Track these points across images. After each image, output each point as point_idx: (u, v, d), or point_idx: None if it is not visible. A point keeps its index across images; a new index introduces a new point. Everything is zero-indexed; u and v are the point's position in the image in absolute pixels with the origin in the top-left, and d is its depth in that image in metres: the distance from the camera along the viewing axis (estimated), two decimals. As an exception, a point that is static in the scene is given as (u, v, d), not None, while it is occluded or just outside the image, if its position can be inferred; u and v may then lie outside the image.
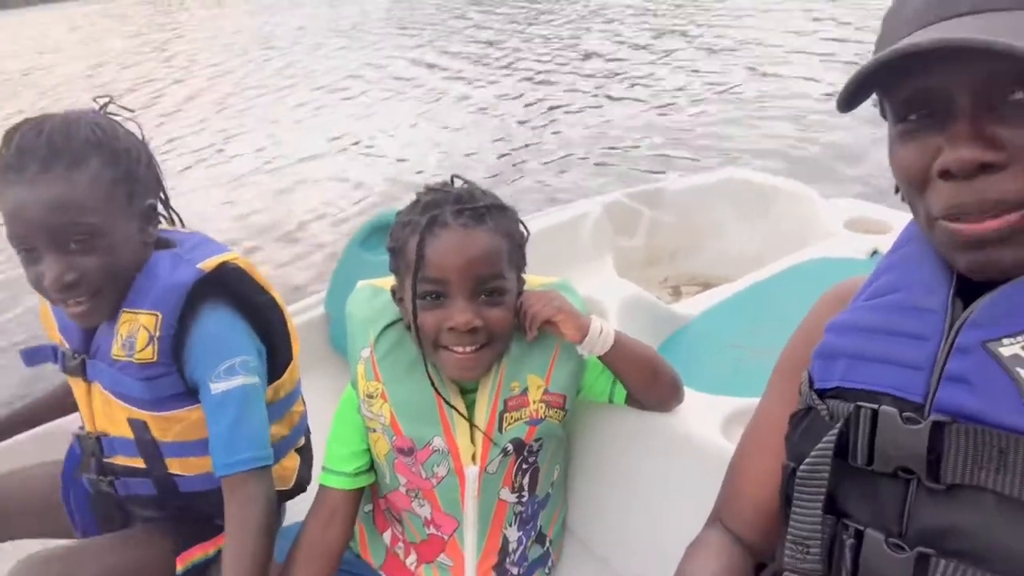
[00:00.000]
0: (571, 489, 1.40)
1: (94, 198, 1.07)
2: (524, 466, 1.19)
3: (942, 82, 0.62)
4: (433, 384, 1.12)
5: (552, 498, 1.28)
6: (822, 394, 0.75)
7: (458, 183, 1.15)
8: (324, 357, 1.87)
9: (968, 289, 0.67)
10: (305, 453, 1.38)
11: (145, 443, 1.18)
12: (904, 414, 0.66)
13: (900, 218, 2.11)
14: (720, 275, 2.42)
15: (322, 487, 1.20)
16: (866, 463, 0.68)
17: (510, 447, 1.15)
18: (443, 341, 1.08)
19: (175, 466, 1.21)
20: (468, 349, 1.08)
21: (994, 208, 0.61)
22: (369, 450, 1.20)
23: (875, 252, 1.95)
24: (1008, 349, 0.61)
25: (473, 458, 1.15)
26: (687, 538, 0.92)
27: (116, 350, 1.14)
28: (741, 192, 2.47)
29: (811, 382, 0.77)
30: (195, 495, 1.23)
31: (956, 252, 0.65)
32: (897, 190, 0.85)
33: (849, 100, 0.67)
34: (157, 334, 1.11)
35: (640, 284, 2.04)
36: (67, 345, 1.22)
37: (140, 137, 1.21)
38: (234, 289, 1.19)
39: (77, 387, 1.23)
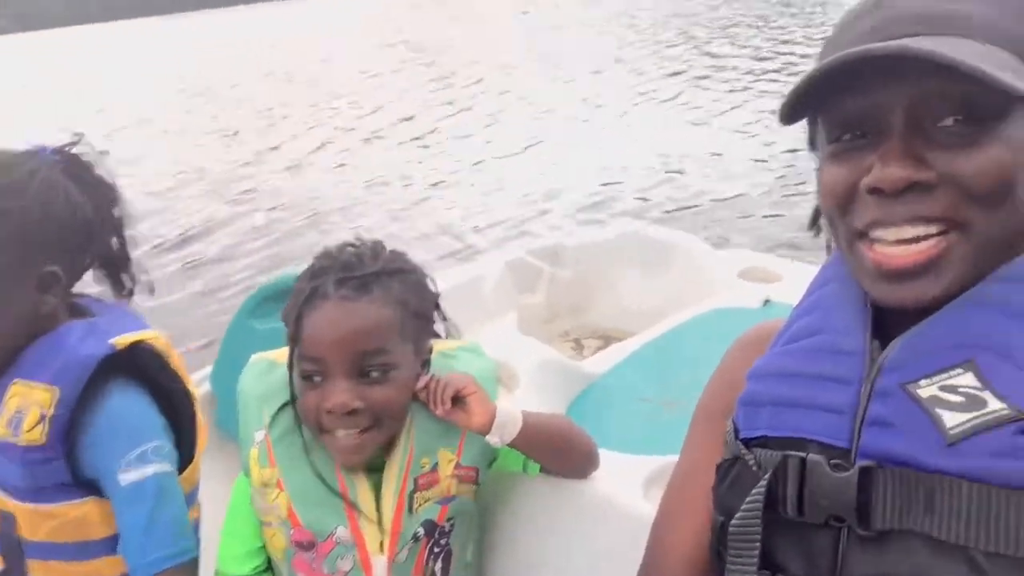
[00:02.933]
0: (486, 566, 1.32)
1: None
2: (436, 549, 1.11)
3: (879, 100, 0.63)
4: (321, 476, 1.03)
5: None
6: (748, 443, 0.73)
7: (353, 247, 1.07)
8: (211, 442, 1.72)
9: (884, 331, 0.68)
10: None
11: (8, 540, 1.04)
12: (832, 461, 0.65)
13: (789, 267, 2.20)
14: (620, 328, 2.46)
15: None
16: (797, 514, 0.67)
17: (421, 531, 1.07)
18: (325, 424, 1.01)
19: (36, 570, 1.06)
20: (351, 432, 1.00)
21: (916, 225, 0.62)
22: (265, 547, 1.09)
23: (767, 301, 2.01)
24: (926, 390, 0.62)
25: (381, 547, 1.05)
26: None
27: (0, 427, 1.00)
28: (638, 247, 2.53)
29: (736, 431, 0.75)
30: None
31: (875, 282, 0.66)
32: (811, 225, 0.85)
33: (791, 113, 0.68)
34: (50, 413, 0.99)
35: (542, 338, 2.02)
36: None
37: (107, 181, 1.12)
38: (147, 371, 1.09)
39: None
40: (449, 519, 1.10)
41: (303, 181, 7.23)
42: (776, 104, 0.70)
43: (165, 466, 1.06)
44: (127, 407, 1.06)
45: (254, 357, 1.18)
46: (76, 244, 1.08)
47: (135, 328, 1.09)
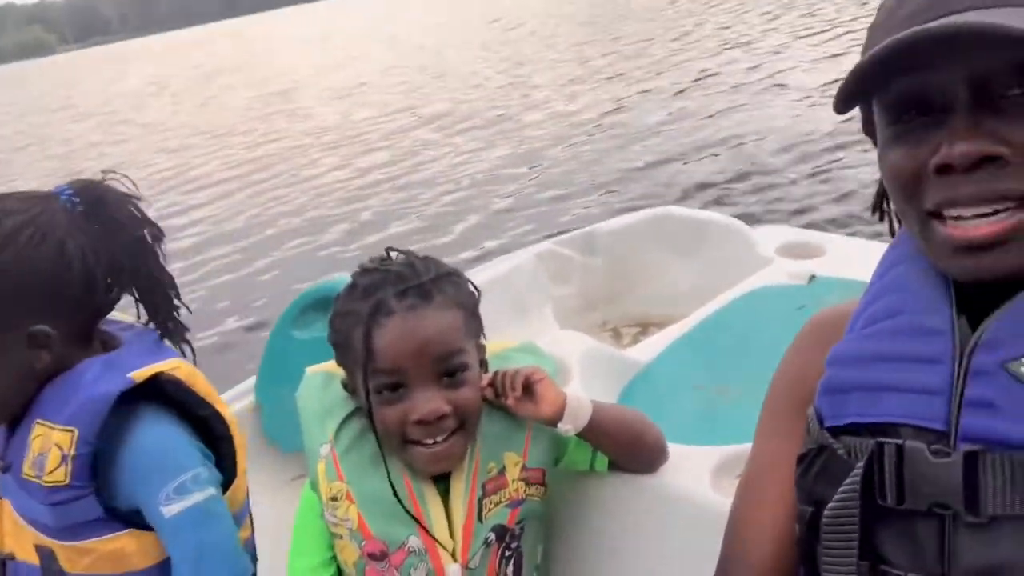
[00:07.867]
0: (555, 567, 1.29)
1: None
2: (507, 553, 1.08)
3: (938, 77, 0.61)
4: (393, 487, 1.01)
5: None
6: (834, 431, 0.70)
7: (395, 256, 1.07)
8: (258, 451, 1.71)
9: (968, 307, 0.66)
10: None
11: (52, 574, 1.03)
12: (931, 447, 0.62)
13: (832, 241, 2.14)
14: (659, 314, 2.41)
15: None
16: (896, 502, 0.64)
17: (492, 536, 1.05)
18: (411, 435, 0.99)
19: None
20: (439, 439, 0.99)
21: (991, 203, 0.59)
22: (336, 558, 1.07)
23: (813, 277, 1.95)
24: None
25: (453, 554, 1.03)
26: None
27: (26, 468, 0.99)
28: (670, 229, 2.47)
29: (820, 420, 0.72)
30: None
31: (949, 257, 0.63)
32: (874, 211, 0.82)
33: (847, 100, 0.65)
34: (71, 453, 0.97)
35: (580, 330, 1.98)
36: None
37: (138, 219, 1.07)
38: (175, 399, 1.06)
39: None
40: (519, 522, 1.08)
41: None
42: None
43: (208, 491, 1.04)
44: (159, 439, 1.04)
45: (309, 371, 1.16)
46: (73, 296, 1.03)
47: (156, 359, 1.06)
